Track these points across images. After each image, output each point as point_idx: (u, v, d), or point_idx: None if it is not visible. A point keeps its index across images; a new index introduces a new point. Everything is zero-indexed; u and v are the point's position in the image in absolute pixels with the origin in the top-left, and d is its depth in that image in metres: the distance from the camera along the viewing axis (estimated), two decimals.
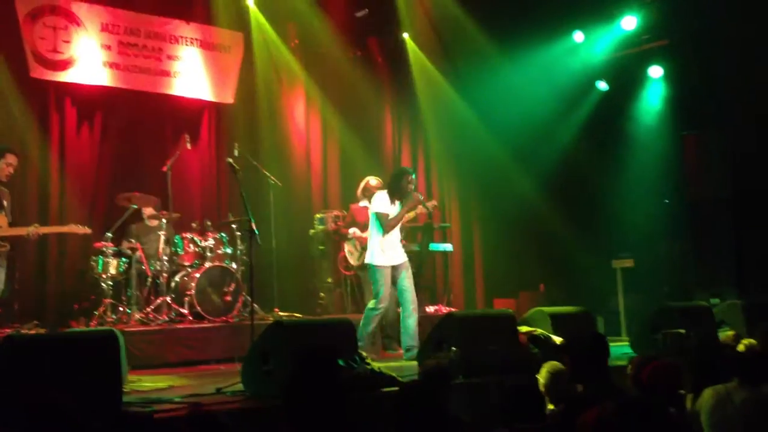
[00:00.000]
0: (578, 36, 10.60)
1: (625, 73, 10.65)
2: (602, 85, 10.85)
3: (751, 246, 8.91)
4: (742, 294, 8.32)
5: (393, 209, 7.03)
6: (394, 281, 7.02)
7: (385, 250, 6.98)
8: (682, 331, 6.18)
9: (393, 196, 7.04)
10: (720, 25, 9.19)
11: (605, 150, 10.63)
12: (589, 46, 10.69)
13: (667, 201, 10.25)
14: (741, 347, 4.90)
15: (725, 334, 6.69)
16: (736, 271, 8.98)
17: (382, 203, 7.03)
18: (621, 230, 10.28)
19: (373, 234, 7.08)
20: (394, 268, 7.03)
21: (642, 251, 9.96)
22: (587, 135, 10.70)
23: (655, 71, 10.42)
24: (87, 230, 7.60)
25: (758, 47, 8.83)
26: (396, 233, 7.11)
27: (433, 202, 8.70)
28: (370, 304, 7.03)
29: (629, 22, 10.14)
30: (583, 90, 10.88)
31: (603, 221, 10.47)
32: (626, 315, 9.54)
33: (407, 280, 7.03)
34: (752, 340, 4.99)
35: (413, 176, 7.16)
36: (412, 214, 8.26)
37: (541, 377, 4.35)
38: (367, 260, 7.12)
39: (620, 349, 7.17)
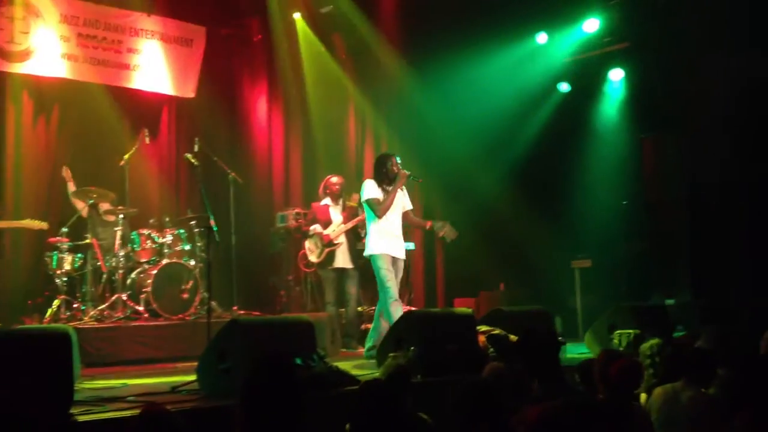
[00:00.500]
0: (541, 37, 10.66)
1: (587, 75, 10.74)
2: (564, 87, 10.92)
3: (706, 248, 9.04)
4: (697, 295, 8.44)
5: (383, 194, 6.83)
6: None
7: (384, 237, 6.78)
8: (638, 331, 6.25)
9: (381, 182, 6.86)
10: (680, 29, 9.30)
11: (566, 151, 10.71)
12: (552, 48, 10.75)
13: (625, 202, 10.36)
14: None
15: (679, 335, 6.79)
16: (691, 273, 9.12)
17: (371, 190, 6.83)
18: (580, 231, 10.37)
19: (368, 224, 6.91)
20: (395, 261, 6.83)
21: (600, 252, 10.07)
22: (548, 136, 10.77)
23: (616, 74, 10.53)
24: (44, 225, 7.48)
25: (716, 52, 8.96)
26: (394, 223, 6.88)
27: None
28: (383, 296, 6.73)
29: (591, 25, 10.23)
30: (546, 91, 10.94)
31: (563, 221, 10.55)
32: (584, 315, 9.62)
33: (397, 277, 6.85)
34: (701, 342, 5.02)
35: (397, 158, 6.95)
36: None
37: None
38: (366, 254, 6.91)
39: (577, 348, 7.25)
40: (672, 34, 9.33)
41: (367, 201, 6.84)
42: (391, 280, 6.72)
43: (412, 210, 7.19)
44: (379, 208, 6.77)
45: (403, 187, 6.97)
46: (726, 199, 8.88)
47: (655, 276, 9.88)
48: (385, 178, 6.86)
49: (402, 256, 6.95)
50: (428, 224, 7.15)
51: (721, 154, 8.90)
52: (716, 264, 8.79)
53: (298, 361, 4.59)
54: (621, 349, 6.10)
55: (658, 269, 9.88)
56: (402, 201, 6.99)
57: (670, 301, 8.69)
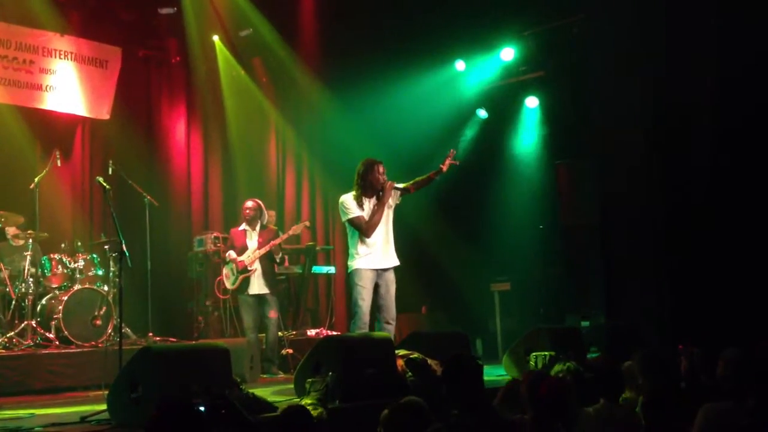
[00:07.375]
0: (460, 65, 10.87)
1: (504, 102, 10.98)
2: (482, 113, 11.13)
3: (618, 270, 9.29)
4: (609, 317, 8.66)
5: (366, 209, 6.36)
6: (376, 288, 6.39)
7: (364, 251, 6.34)
8: (552, 352, 6.35)
9: (363, 192, 6.33)
10: (592, 58, 9.60)
11: (484, 176, 10.90)
12: (470, 75, 10.97)
13: (541, 227, 10.59)
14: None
15: (593, 356, 6.93)
16: (604, 295, 9.34)
17: (351, 208, 6.32)
18: (499, 254, 10.54)
19: (350, 240, 6.46)
20: (379, 275, 6.42)
21: (518, 275, 10.25)
22: (467, 161, 10.91)
23: (532, 101, 10.80)
24: None
25: (627, 79, 9.27)
26: (377, 234, 6.37)
27: (305, 222, 8.74)
28: (353, 316, 6.39)
29: (507, 54, 10.49)
30: (465, 117, 11.13)
31: (482, 245, 10.70)
32: (503, 337, 9.76)
33: (387, 290, 6.49)
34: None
35: (383, 166, 6.38)
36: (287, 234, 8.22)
37: None
38: (349, 269, 6.47)
39: (496, 370, 7.33)
40: (584, 63, 9.63)
41: (350, 222, 6.36)
42: (362, 299, 6.30)
43: (403, 186, 6.54)
44: (365, 228, 6.30)
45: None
46: (637, 222, 9.15)
47: (570, 298, 10.10)
48: (368, 188, 6.36)
49: (388, 265, 6.51)
50: (444, 166, 6.63)
51: (633, 178, 9.17)
52: (626, 285, 9.03)
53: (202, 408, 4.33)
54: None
55: (573, 292, 10.11)
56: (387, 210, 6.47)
57: (585, 323, 8.88)
